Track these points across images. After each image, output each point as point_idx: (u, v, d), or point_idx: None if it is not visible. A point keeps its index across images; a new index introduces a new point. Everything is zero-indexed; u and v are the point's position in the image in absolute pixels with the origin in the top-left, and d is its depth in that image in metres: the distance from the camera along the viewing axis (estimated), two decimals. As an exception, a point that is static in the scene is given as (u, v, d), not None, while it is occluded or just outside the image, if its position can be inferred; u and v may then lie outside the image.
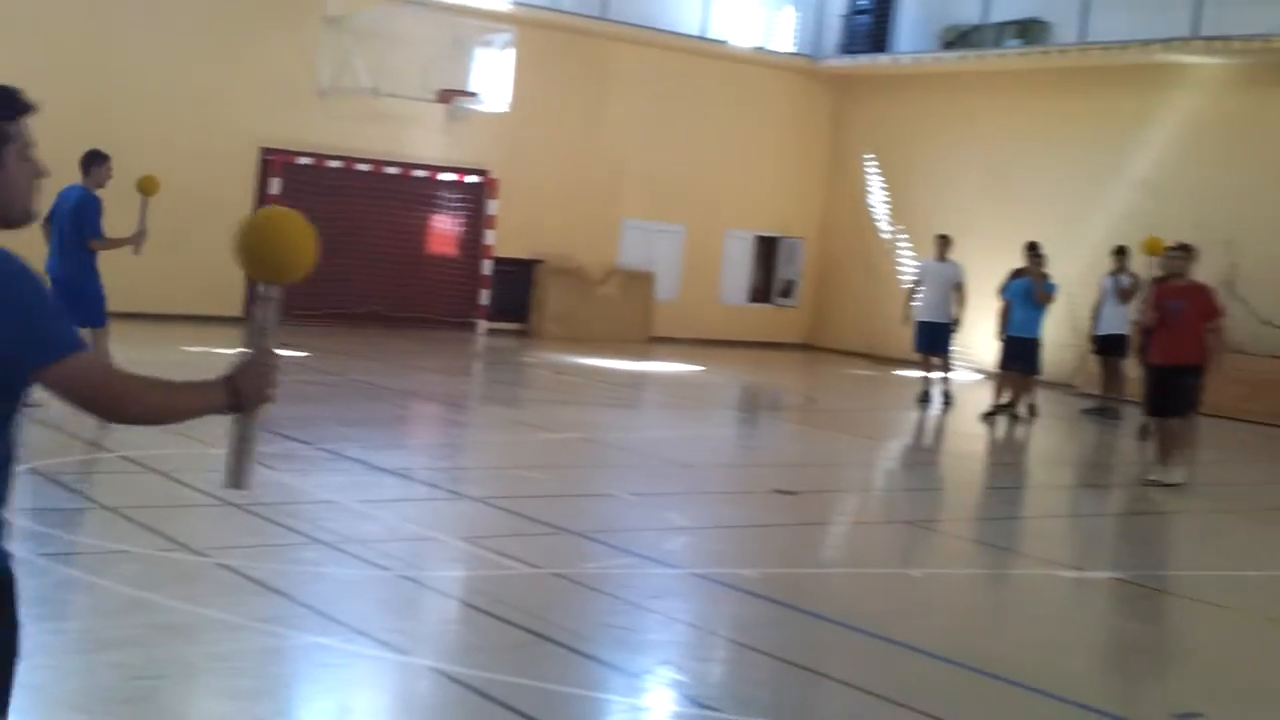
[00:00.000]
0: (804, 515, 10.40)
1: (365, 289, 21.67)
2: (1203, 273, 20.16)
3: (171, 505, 8.64)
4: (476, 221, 22.93)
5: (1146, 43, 20.53)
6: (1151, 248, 13.86)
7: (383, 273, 21.99)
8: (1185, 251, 13.35)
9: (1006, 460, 15.15)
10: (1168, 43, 20.30)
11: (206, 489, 8.69)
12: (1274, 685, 6.96)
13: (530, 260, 23.45)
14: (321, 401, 13.75)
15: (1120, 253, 17.45)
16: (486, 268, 22.72)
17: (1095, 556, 10.10)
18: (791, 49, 25.81)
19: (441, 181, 22.56)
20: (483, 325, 22.62)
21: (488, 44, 22.10)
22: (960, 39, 23.82)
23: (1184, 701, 6.40)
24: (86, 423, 9.84)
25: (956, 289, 17.74)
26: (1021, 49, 22.48)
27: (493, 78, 22.01)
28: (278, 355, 3.17)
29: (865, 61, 24.99)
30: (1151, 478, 12.73)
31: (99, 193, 11.32)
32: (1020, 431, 16.55)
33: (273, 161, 20.86)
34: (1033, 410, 17.19)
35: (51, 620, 6.06)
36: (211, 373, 3.15)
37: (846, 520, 10.85)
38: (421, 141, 22.30)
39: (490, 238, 22.71)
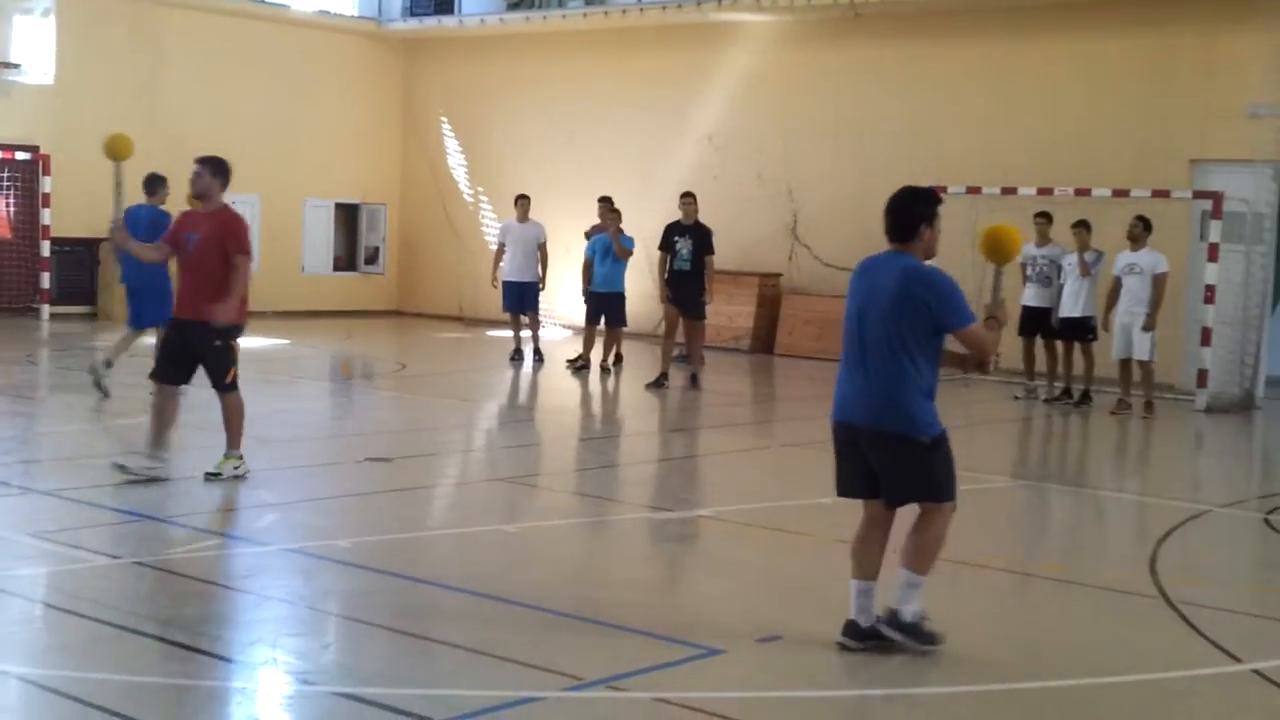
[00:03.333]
0: (399, 481, 10.33)
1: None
2: (771, 221, 21.42)
3: None
4: (30, 201, 21.51)
5: (700, 2, 21.31)
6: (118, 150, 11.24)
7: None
8: None
9: (597, 412, 15.51)
10: (720, 2, 21.15)
11: None
12: (846, 604, 7.41)
13: (93, 239, 22.23)
14: None
15: (1082, 226, 15.87)
16: (45, 249, 21.35)
17: (680, 497, 10.48)
18: (355, 12, 25.43)
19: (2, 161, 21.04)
20: (46, 310, 21.27)
21: (27, 11, 20.74)
22: (523, 1, 24.06)
23: (766, 626, 6.72)
24: None
25: (540, 248, 17.98)
26: (583, 9, 22.93)
27: (35, 47, 20.68)
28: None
29: (432, 24, 24.90)
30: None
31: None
32: (609, 383, 16.98)
33: None
34: (619, 361, 17.66)
35: None
36: None
37: (443, 483, 10.84)
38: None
39: (46, 217, 21.33)
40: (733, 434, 13.89)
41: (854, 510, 6.60)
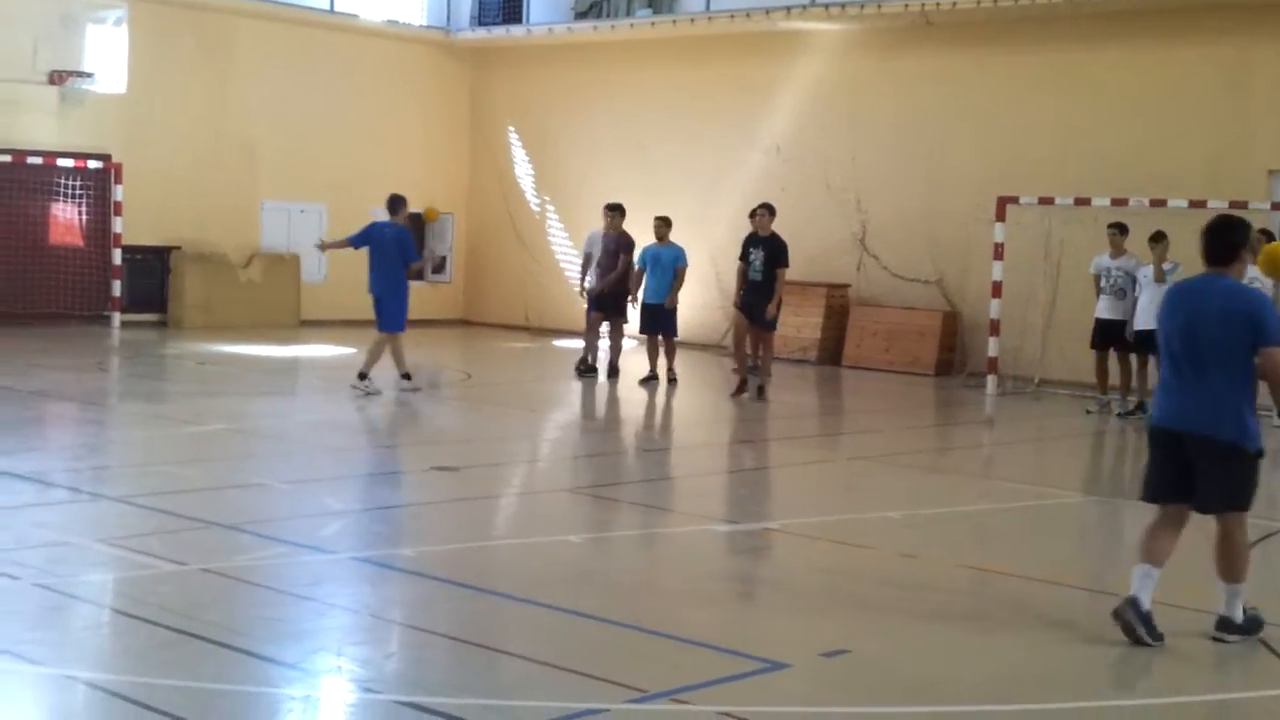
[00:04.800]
0: (465, 491, 10.32)
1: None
2: (839, 231, 21.28)
3: None
4: (102, 209, 21.78)
5: (769, 10, 21.24)
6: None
7: (18, 266, 20.75)
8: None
9: (662, 423, 15.44)
10: (789, 10, 21.06)
11: None
12: (915, 617, 7.31)
13: (164, 247, 22.48)
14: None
15: (1159, 237, 15.56)
16: (116, 257, 21.59)
17: (747, 509, 10.40)
18: (424, 22, 25.57)
19: (60, 168, 21.31)
20: (117, 317, 21.51)
21: (100, 21, 21.02)
22: (591, 9, 24.08)
23: (832, 640, 6.63)
24: None
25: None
26: (651, 18, 22.91)
27: (107, 57, 20.95)
28: None
29: (500, 33, 24.99)
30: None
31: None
32: (675, 395, 16.91)
33: None
34: (671, 374, 17.47)
35: None
36: None
37: (508, 493, 10.83)
38: (34, 126, 21.05)
39: (118, 225, 21.58)
40: (799, 447, 13.78)
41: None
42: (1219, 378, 6.74)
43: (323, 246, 17.01)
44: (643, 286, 17.58)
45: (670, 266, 17.30)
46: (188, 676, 5.73)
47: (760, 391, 16.15)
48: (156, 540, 8.01)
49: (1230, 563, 6.91)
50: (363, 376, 15.01)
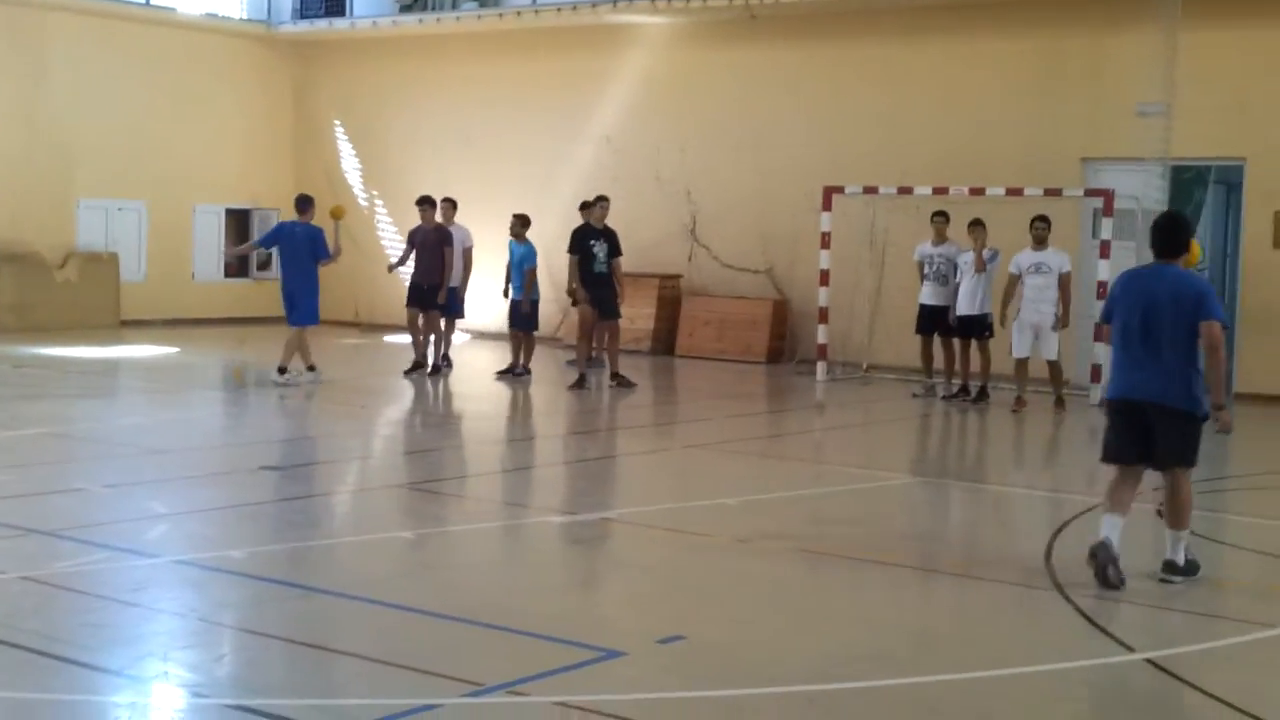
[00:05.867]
0: (294, 490, 10.15)
1: None
2: (670, 222, 21.41)
3: None
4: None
5: (595, 4, 21.25)
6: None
7: None
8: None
9: (498, 415, 15.38)
10: (615, 3, 21.11)
11: None
12: (750, 601, 7.39)
13: (-20, 247, 21.68)
14: None
15: (977, 225, 15.89)
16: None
17: (584, 500, 10.40)
18: (244, 15, 25.05)
19: None
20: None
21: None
22: (416, 2, 23.82)
23: (668, 627, 6.67)
24: None
25: (465, 252, 17.70)
26: (477, 11, 22.76)
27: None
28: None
29: (323, 26, 24.59)
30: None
31: None
32: (514, 387, 16.86)
33: None
34: (521, 368, 17.48)
35: None
36: None
37: (340, 490, 10.66)
38: None
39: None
40: (635, 437, 13.85)
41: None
42: (1171, 354, 7.66)
43: (231, 254, 18.32)
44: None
45: (519, 265, 17.32)
46: (7, 687, 5.53)
47: (619, 379, 16.34)
48: (-30, 549, 7.71)
49: (1178, 512, 7.81)
50: (282, 371, 15.90)
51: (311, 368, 16.25)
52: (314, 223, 16.29)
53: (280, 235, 16.46)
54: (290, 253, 16.13)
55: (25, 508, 8.90)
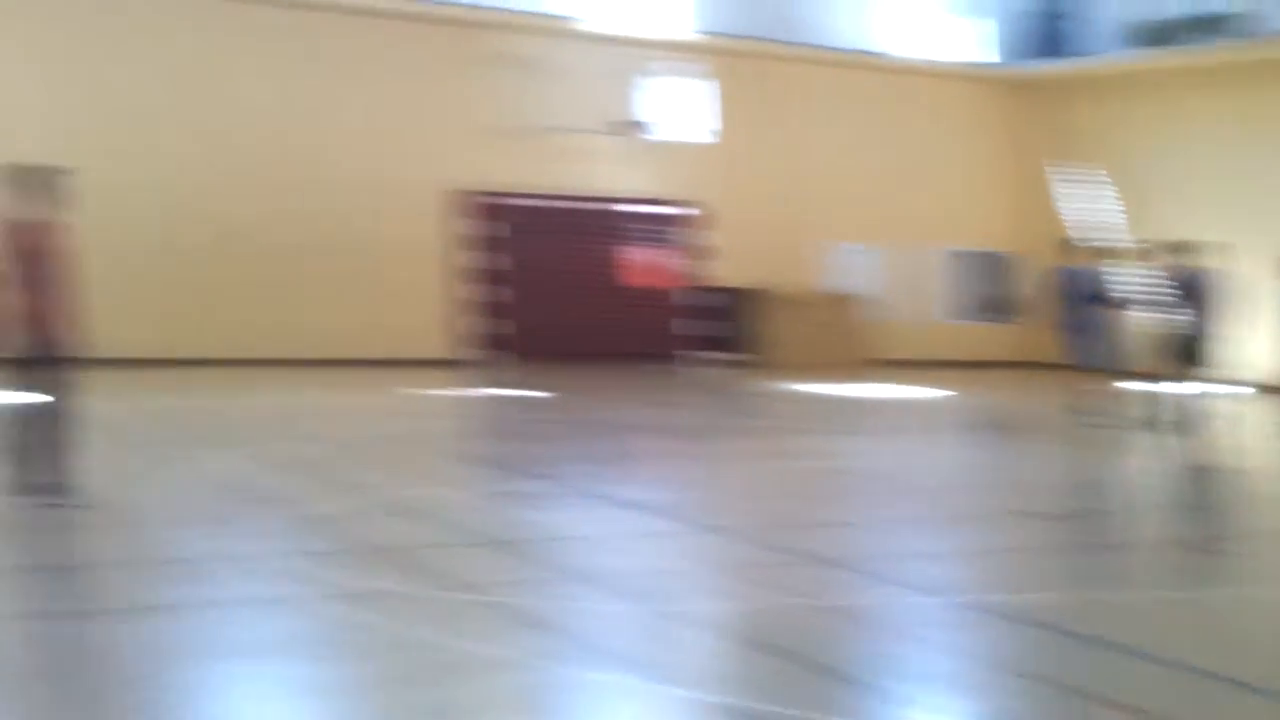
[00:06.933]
0: (1051, 538, 10.00)
1: (580, 325, 22.05)
2: None
3: (430, 546, 8.75)
4: (688, 253, 22.98)
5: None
6: None
7: (598, 308, 22.36)
8: None
9: None
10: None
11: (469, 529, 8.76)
12: None
13: (740, 289, 23.40)
14: (560, 440, 13.85)
15: None
16: (700, 299, 22.70)
17: None
18: (994, 59, 25.33)
19: (651, 215, 22.75)
20: (703, 356, 22.59)
21: (649, 74, 22.40)
22: (1157, 36, 22.95)
23: None
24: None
25: None
26: (1228, 43, 21.57)
27: (694, 109, 22.22)
28: None
29: (1063, 66, 24.31)
30: None
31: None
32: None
33: (484, 203, 21.40)
34: None
35: (331, 662, 6.15)
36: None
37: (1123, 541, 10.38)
38: (616, 174, 22.59)
39: (702, 269, 22.70)
40: None
41: None
42: None
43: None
44: None
45: None
46: (798, 705, 5.81)
47: None
48: (773, 573, 8.25)
49: None
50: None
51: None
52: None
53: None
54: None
55: (795, 537, 9.41)
